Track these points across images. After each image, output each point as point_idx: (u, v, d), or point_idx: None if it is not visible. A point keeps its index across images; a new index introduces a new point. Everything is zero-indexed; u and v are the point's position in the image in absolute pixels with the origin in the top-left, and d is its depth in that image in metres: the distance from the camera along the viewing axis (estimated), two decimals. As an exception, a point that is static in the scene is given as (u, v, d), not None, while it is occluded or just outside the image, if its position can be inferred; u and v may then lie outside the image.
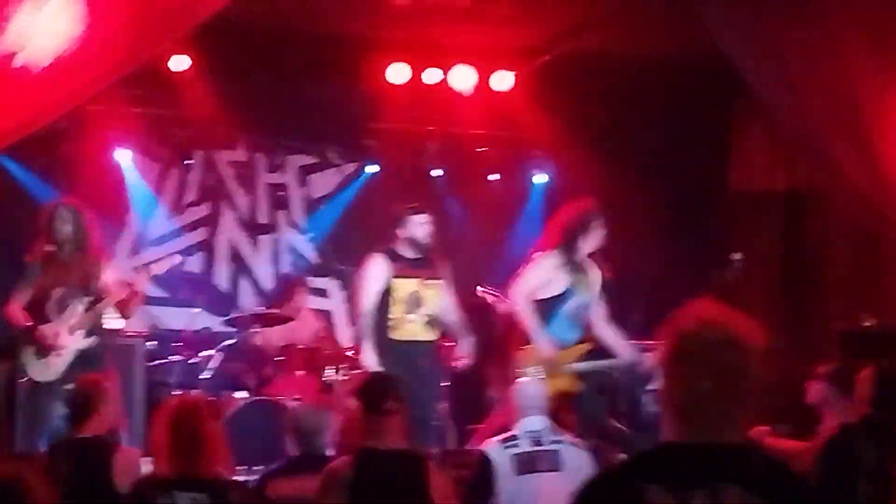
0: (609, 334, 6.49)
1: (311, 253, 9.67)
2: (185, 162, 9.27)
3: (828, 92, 6.57)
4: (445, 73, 8.92)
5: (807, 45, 6.61)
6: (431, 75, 8.88)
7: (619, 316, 6.93)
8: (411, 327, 6.49)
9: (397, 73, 8.81)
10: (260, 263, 9.51)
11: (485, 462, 4.87)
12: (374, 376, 4.68)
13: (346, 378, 7.57)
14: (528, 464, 4.85)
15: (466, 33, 8.45)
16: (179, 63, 8.23)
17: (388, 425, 4.30)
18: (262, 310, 8.57)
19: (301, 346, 7.88)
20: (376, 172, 9.66)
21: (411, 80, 8.87)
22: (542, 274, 6.35)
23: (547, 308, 6.30)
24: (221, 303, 8.98)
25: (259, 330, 7.99)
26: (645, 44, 8.25)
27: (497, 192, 9.92)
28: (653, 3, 7.37)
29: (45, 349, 6.13)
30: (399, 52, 8.74)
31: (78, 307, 6.18)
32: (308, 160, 9.66)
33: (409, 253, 6.50)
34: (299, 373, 7.70)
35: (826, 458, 4.69)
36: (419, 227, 6.53)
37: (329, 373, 7.69)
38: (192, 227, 9.37)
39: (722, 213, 8.54)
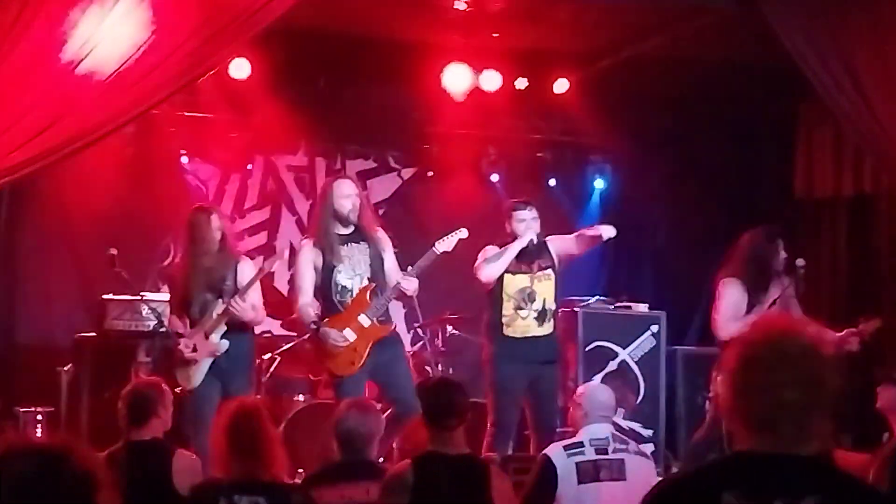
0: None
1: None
2: (246, 166, 9.34)
3: (896, 96, 6.47)
4: (504, 78, 8.90)
5: (875, 49, 6.51)
6: (490, 80, 8.86)
7: (681, 320, 6.90)
8: (524, 323, 6.51)
9: (456, 77, 8.80)
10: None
11: (548, 467, 4.82)
12: (437, 384, 4.62)
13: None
14: (591, 472, 4.78)
15: (526, 38, 8.42)
16: (240, 68, 8.29)
17: (450, 434, 4.30)
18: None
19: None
20: (435, 177, 9.66)
21: (470, 84, 8.86)
22: (734, 300, 6.35)
23: None
24: (281, 306, 9.03)
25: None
26: (708, 47, 8.16)
27: (556, 197, 9.88)
28: (717, 6, 7.28)
29: (185, 357, 6.09)
30: (458, 56, 8.73)
31: (215, 311, 6.13)
32: (367, 165, 9.68)
33: None
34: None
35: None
36: (520, 223, 6.56)
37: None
38: (253, 231, 9.44)
39: (787, 218, 8.42)
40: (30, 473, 1.99)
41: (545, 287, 6.57)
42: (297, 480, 6.28)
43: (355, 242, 6.24)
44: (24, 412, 7.39)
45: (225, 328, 6.14)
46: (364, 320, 6.16)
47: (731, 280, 6.47)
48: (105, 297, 7.47)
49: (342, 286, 6.19)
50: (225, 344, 6.13)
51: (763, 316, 2.11)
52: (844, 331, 6.57)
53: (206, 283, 6.16)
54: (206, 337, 6.12)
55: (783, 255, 6.56)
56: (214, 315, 6.12)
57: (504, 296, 6.50)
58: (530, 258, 6.55)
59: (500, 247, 6.57)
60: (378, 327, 6.20)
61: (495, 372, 6.52)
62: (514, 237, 6.56)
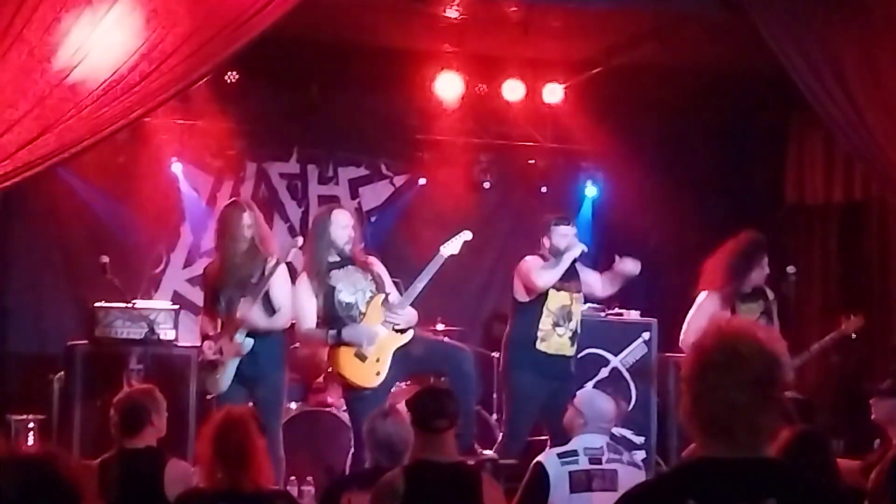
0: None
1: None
2: (238, 174, 9.35)
3: (886, 104, 6.50)
4: (496, 86, 8.92)
5: (865, 57, 6.55)
6: (482, 88, 8.87)
7: (673, 327, 6.91)
8: (559, 341, 6.52)
9: (448, 85, 8.82)
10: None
11: (541, 474, 4.81)
12: (427, 391, 4.62)
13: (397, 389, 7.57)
14: (583, 482, 4.77)
15: (518, 45, 8.44)
16: (232, 76, 8.29)
17: (440, 440, 4.30)
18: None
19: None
20: (427, 184, 9.67)
21: (462, 92, 8.88)
22: (710, 312, 6.32)
23: None
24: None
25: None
26: (700, 55, 8.20)
27: (547, 205, 9.89)
28: (708, 14, 7.32)
29: (210, 363, 6.04)
30: (450, 64, 8.75)
31: (240, 310, 6.00)
32: (359, 172, 9.69)
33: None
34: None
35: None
36: (563, 238, 6.56)
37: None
38: (245, 238, 9.42)
39: (778, 226, 8.45)
40: (14, 484, 1.99)
41: (578, 309, 6.66)
42: (290, 489, 6.31)
43: (350, 265, 6.22)
44: (16, 420, 7.38)
45: (249, 328, 6.04)
46: (381, 331, 6.11)
47: (712, 293, 6.46)
48: (97, 304, 7.46)
49: (345, 303, 6.14)
50: (249, 342, 6.01)
51: (715, 321, 2.15)
52: (826, 337, 6.55)
53: (234, 280, 6.08)
54: (231, 339, 6.03)
55: (766, 270, 6.52)
56: (238, 315, 5.99)
57: (545, 310, 6.51)
58: (569, 278, 6.57)
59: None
60: (396, 336, 6.15)
61: (517, 383, 6.54)
62: (553, 252, 6.56)
